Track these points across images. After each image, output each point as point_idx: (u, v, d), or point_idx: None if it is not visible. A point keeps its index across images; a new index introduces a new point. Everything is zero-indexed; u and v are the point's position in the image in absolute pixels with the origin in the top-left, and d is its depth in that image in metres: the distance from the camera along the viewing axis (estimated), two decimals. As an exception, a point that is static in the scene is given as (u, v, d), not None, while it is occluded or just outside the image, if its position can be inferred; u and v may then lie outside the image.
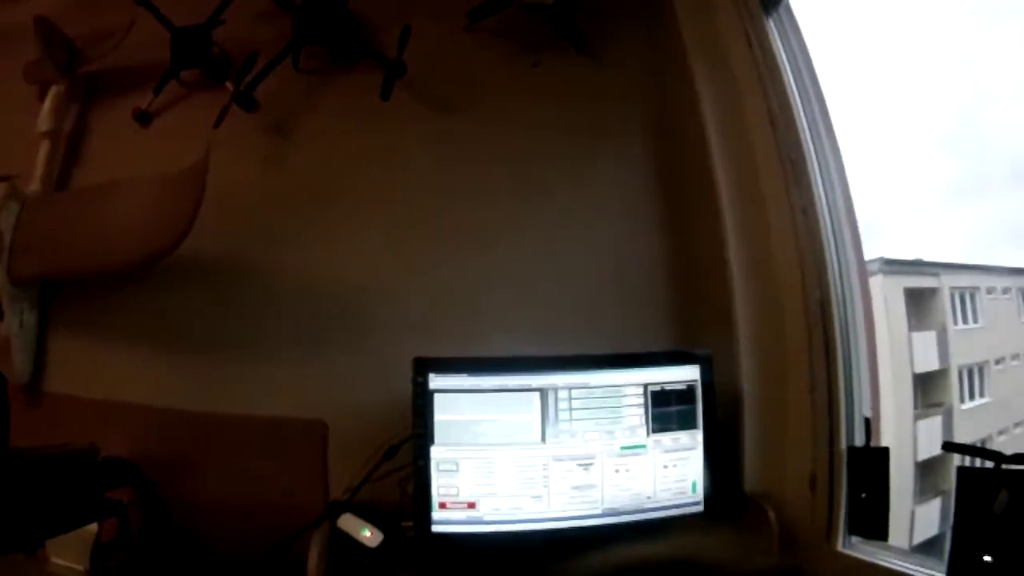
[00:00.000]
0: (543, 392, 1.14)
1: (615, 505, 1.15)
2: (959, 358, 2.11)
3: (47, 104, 1.72)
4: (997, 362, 2.09)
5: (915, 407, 1.98)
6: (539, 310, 1.40)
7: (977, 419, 2.08)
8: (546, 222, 1.45)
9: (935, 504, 1.83)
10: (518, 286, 1.41)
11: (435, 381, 1.13)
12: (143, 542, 1.48)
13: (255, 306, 1.47)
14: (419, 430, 1.12)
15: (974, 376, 2.10)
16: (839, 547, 1.16)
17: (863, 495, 1.16)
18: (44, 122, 1.71)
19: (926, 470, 1.89)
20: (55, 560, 1.38)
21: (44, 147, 1.70)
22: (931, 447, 1.92)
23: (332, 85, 1.59)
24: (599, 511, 1.15)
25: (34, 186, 1.66)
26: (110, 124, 1.76)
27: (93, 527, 1.35)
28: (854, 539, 1.18)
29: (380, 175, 1.51)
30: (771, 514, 1.16)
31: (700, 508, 1.20)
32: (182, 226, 1.29)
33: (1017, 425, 1.80)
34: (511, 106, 1.51)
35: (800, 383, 1.23)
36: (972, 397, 2.07)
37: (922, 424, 1.98)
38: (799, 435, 1.23)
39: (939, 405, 2.09)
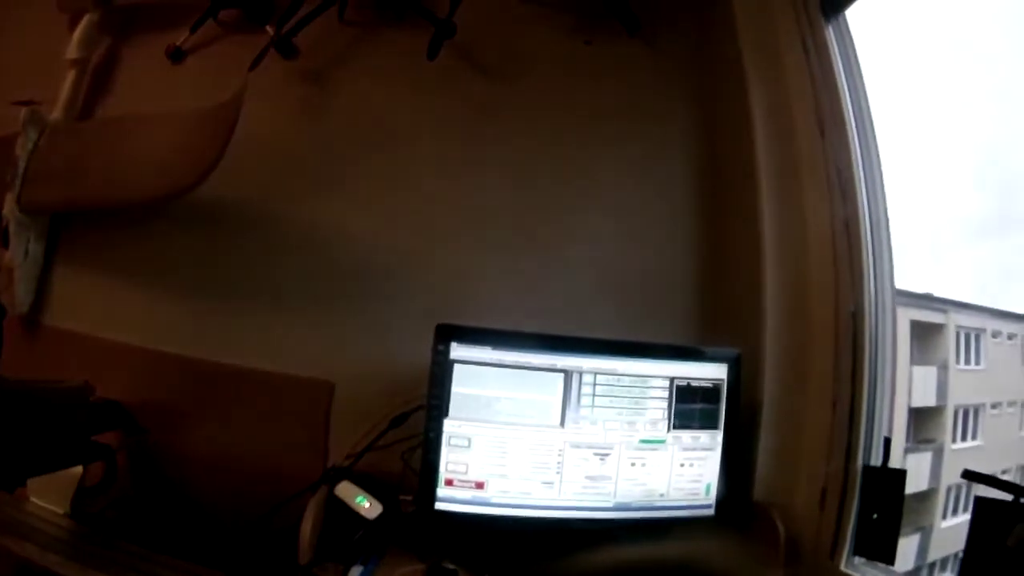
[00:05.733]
0: (567, 374, 1.09)
1: (627, 500, 1.12)
2: (956, 398, 2.11)
3: (78, 32, 1.66)
4: (993, 406, 2.10)
5: (907, 440, 1.98)
6: (567, 290, 1.37)
7: (966, 460, 2.07)
8: (582, 203, 1.42)
9: (914, 539, 1.84)
10: (547, 265, 1.38)
11: (457, 351, 1.09)
12: (128, 490, 1.42)
13: (270, 257, 1.43)
14: (434, 400, 1.07)
15: (969, 417, 2.10)
16: (842, 566, 1.15)
17: (874, 516, 1.15)
18: (73, 50, 1.65)
19: (910, 505, 1.89)
20: (35, 500, 1.33)
21: (70, 76, 1.65)
22: (918, 483, 1.92)
23: (376, 40, 1.53)
24: (610, 504, 1.12)
25: (56, 114, 1.61)
26: (141, 59, 1.71)
27: (78, 470, 1.30)
28: (857, 559, 1.17)
29: (415, 138, 1.46)
30: (780, 526, 1.13)
31: (711, 511, 1.17)
32: (207, 163, 1.26)
33: (1004, 472, 1.80)
34: (558, 83, 1.47)
35: (823, 396, 1.22)
36: (964, 438, 2.07)
37: (911, 458, 1.98)
38: (815, 448, 1.21)
39: (931, 441, 2.09)
